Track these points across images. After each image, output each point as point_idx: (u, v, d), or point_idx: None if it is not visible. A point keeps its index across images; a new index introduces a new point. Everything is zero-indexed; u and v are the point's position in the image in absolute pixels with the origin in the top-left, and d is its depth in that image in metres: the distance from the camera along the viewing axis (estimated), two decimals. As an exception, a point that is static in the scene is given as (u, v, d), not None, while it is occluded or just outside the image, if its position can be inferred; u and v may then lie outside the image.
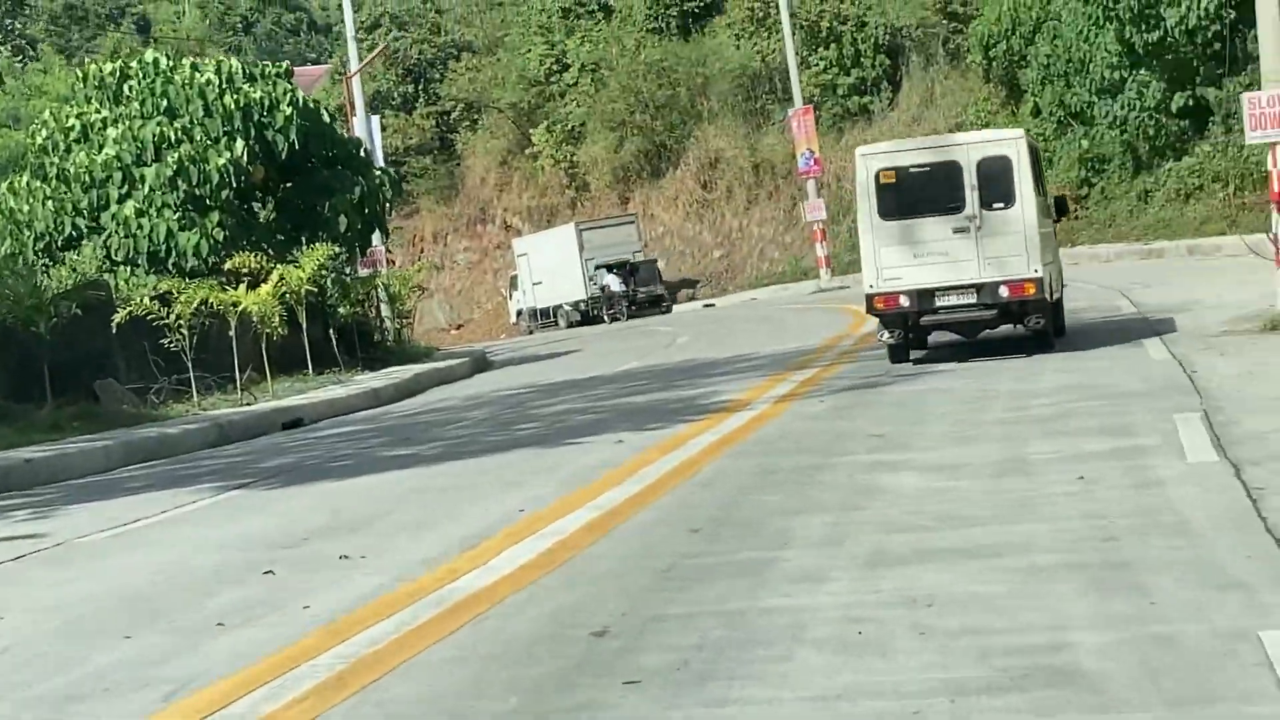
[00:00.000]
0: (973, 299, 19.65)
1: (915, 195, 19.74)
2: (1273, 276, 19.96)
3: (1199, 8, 41.79)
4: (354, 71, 41.44)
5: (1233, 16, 41.95)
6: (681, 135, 67.33)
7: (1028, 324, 19.96)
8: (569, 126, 71.44)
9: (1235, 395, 14.02)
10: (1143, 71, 43.71)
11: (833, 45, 60.44)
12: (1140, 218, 44.46)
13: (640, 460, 13.86)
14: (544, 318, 64.14)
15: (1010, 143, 20.03)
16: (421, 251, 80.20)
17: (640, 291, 58.87)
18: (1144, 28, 42.65)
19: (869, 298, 20.03)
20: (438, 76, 78.96)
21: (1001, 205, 19.58)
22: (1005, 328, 20.64)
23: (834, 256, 54.75)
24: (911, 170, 19.86)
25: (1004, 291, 19.49)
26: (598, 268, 59.83)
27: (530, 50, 73.75)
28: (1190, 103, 43.19)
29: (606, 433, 16.44)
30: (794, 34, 58.46)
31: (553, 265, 62.37)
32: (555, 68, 72.88)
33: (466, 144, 78.67)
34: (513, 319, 67.83)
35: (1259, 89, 20.29)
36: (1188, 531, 8.87)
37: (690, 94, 67.54)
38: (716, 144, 65.78)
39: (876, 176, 20.00)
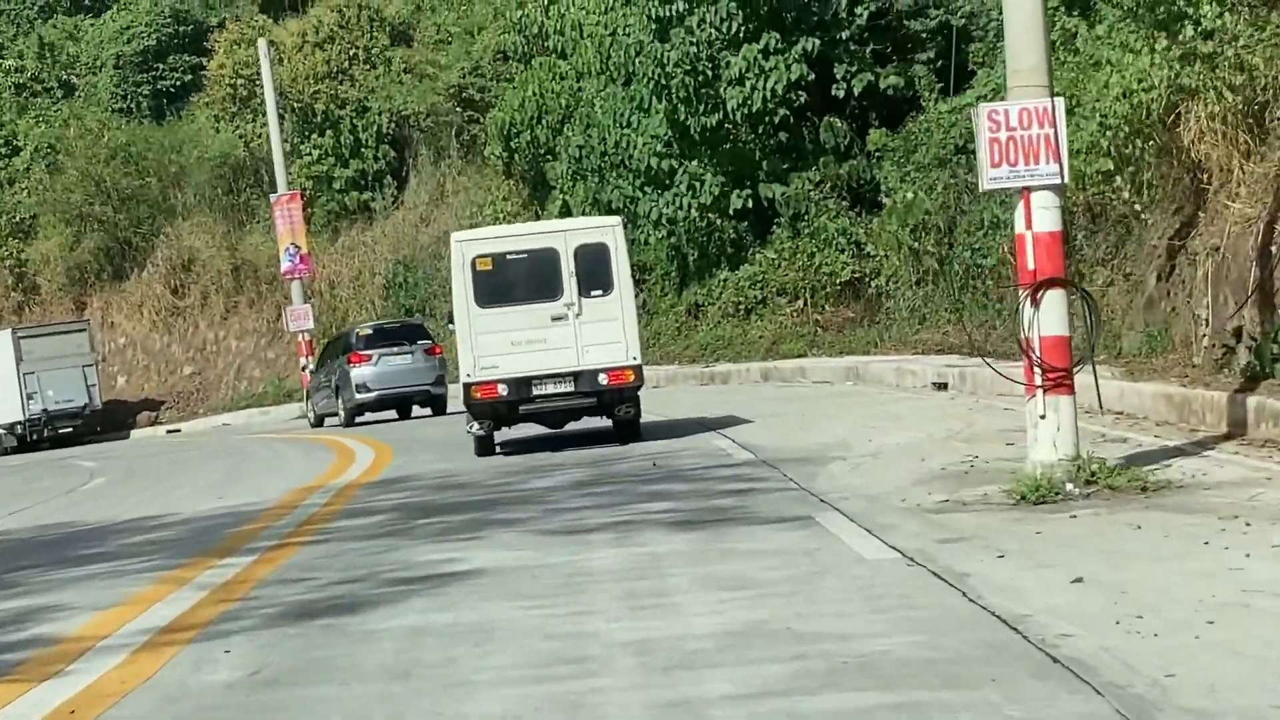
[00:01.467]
0: (570, 387, 19.46)
1: (513, 282, 19.62)
2: (1029, 406, 11.96)
3: (765, 88, 34.76)
4: None
5: (803, 100, 35.11)
6: (150, 232, 57.48)
7: (618, 412, 19.76)
8: (17, 219, 60.67)
9: (1178, 685, 5.89)
10: (696, 163, 36.40)
11: (329, 132, 51.80)
12: (692, 335, 37.00)
13: None
14: (-28, 443, 53.05)
15: (608, 230, 20.09)
16: None
17: None
18: (701, 110, 35.43)
19: (466, 387, 19.50)
20: None
21: (600, 292, 19.49)
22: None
23: (323, 376, 45.76)
24: (509, 257, 19.70)
25: (603, 379, 19.36)
26: None
27: (-27, 130, 62.73)
28: (751, 202, 36.03)
29: None
30: (283, 117, 49.72)
31: (-17, 380, 51.56)
32: (3, 151, 62.06)
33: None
34: (-67, 444, 56.49)
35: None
36: None
37: (162, 185, 57.88)
38: (191, 243, 56.22)
39: (473, 263, 19.56)
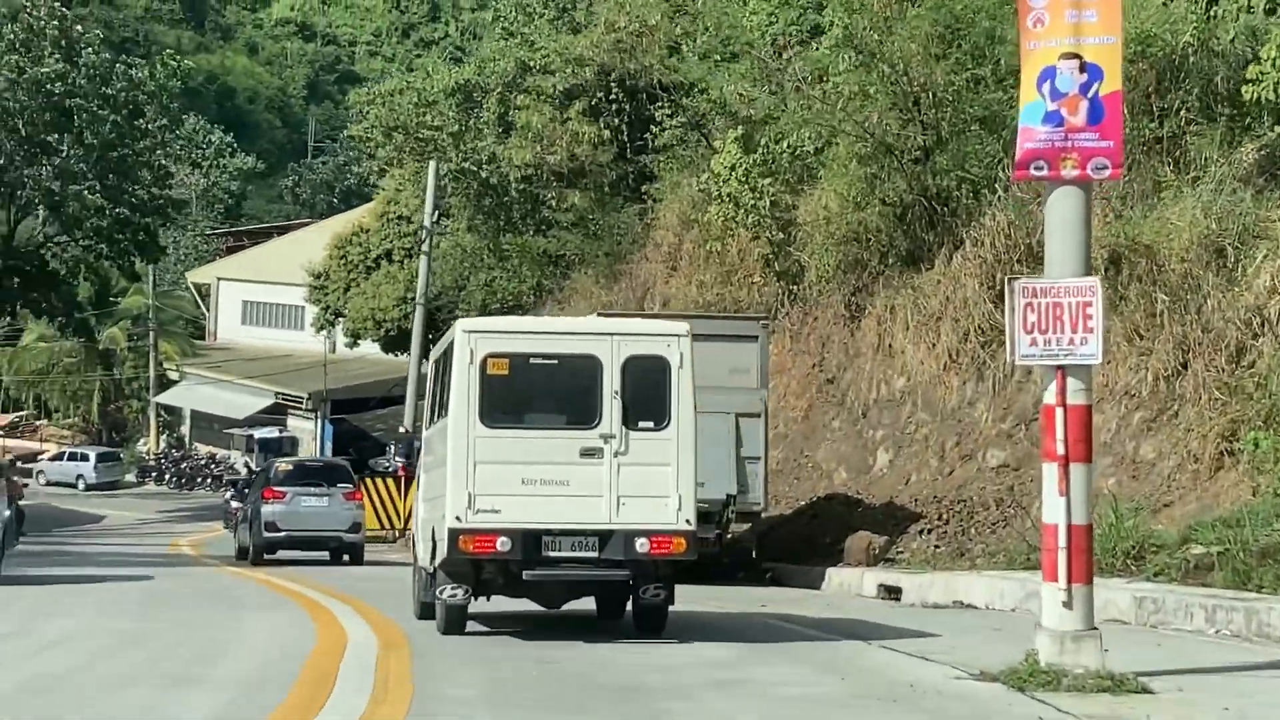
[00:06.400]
0: (595, 552, 14.49)
1: (533, 396, 15.00)
2: None
3: None
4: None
5: None
6: (986, 182, 29.38)
7: (643, 595, 15.02)
8: (791, 149, 34.25)
9: None
10: None
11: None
12: None
13: None
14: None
15: (671, 340, 14.96)
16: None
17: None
18: None
19: (454, 535, 14.39)
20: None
21: (651, 425, 14.77)
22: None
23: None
24: (532, 361, 14.99)
25: (643, 545, 14.45)
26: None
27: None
28: None
29: None
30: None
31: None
32: (801, 36, 35.92)
33: (676, 182, 42.21)
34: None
35: None
36: None
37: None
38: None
39: (483, 365, 14.77)
